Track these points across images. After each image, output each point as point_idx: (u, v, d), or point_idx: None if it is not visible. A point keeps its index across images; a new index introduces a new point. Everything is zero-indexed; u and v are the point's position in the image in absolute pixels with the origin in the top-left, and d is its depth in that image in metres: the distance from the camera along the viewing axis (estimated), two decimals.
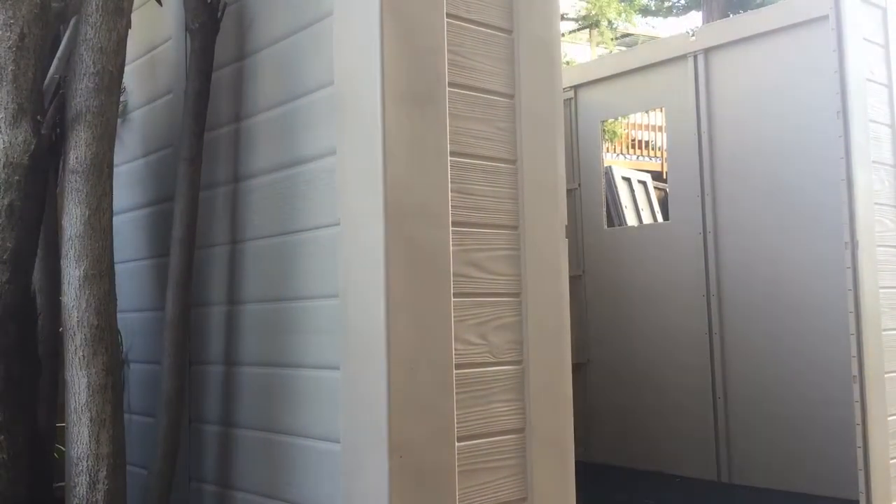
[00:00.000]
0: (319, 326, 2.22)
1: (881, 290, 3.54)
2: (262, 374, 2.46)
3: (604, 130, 5.64)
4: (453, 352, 2.07)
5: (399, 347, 1.96)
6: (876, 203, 3.59)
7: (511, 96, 2.28)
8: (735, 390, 4.21)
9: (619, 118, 11.71)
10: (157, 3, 2.79)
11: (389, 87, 1.99)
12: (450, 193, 2.10)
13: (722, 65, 4.38)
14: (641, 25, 20.36)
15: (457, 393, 2.08)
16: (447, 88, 2.12)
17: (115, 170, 2.29)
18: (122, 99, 2.70)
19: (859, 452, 3.40)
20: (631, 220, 6.97)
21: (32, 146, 2.10)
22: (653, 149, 12.84)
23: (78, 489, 2.08)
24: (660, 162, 11.71)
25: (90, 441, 2.09)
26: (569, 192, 5.16)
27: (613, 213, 6.77)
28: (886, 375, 3.52)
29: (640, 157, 12.66)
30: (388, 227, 1.97)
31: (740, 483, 4.14)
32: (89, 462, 2.08)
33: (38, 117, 2.14)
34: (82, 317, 2.12)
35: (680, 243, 4.46)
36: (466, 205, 2.15)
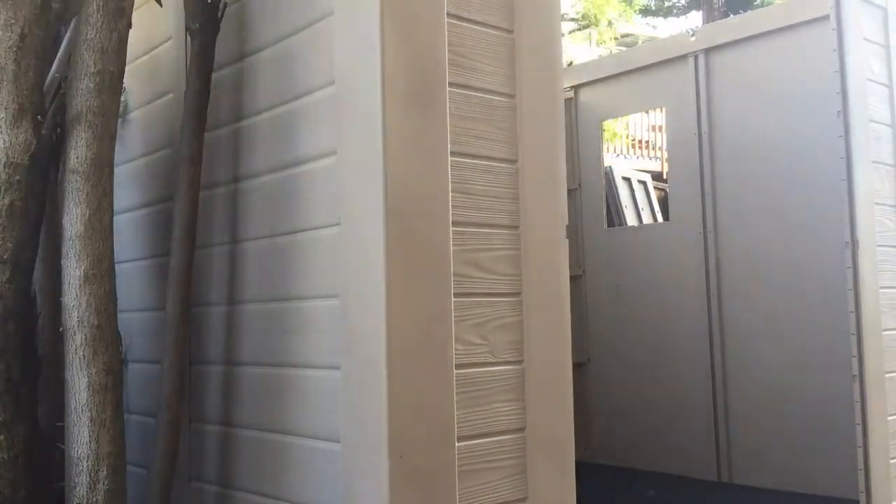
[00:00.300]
0: (319, 326, 2.22)
1: (881, 290, 3.54)
2: (262, 374, 2.46)
3: (603, 130, 5.63)
4: (453, 352, 2.07)
5: (399, 347, 1.96)
6: (876, 203, 3.59)
7: (511, 96, 2.28)
8: (735, 390, 4.21)
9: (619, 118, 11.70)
10: (156, 4, 2.79)
11: (390, 86, 1.99)
12: (450, 193, 2.10)
13: (722, 65, 4.39)
14: (641, 25, 20.37)
15: (457, 393, 2.08)
16: (448, 88, 2.12)
17: (115, 170, 2.28)
18: (122, 99, 2.70)
19: (859, 452, 3.40)
20: (631, 220, 6.97)
21: (33, 146, 2.10)
22: (653, 148, 12.83)
23: (78, 489, 2.08)
24: (659, 162, 11.71)
25: (90, 441, 2.09)
26: (569, 192, 5.16)
27: (613, 213, 6.77)
28: (886, 375, 3.52)
29: (640, 157, 12.65)
30: (389, 226, 1.97)
31: (740, 483, 4.15)
32: (89, 462, 2.09)
33: (39, 117, 2.14)
34: (82, 317, 2.12)
35: (680, 243, 4.46)
36: (467, 205, 2.15)
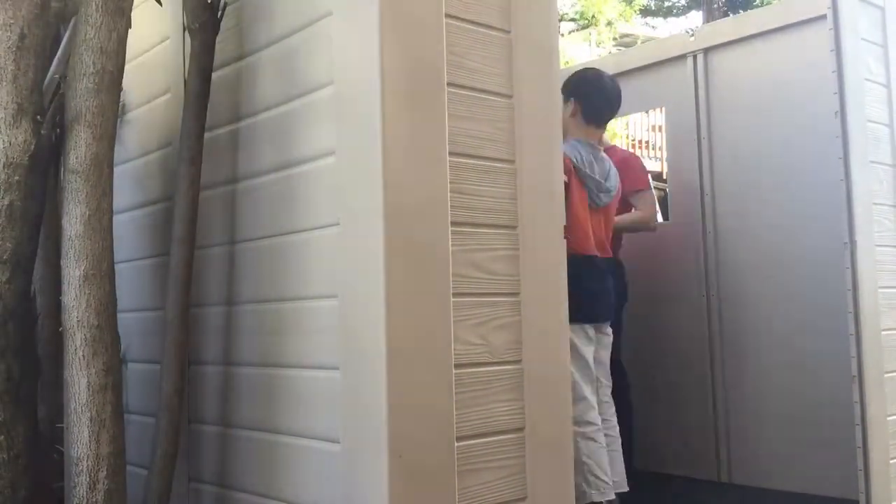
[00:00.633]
0: (319, 327, 2.23)
1: (880, 290, 3.54)
2: (262, 374, 2.46)
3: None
4: (453, 352, 2.08)
5: (398, 347, 1.96)
6: (875, 203, 3.59)
7: (509, 96, 2.29)
8: (735, 390, 4.21)
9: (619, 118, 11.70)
10: (155, 3, 2.79)
11: (389, 87, 2.00)
12: (449, 193, 2.10)
13: (722, 65, 4.39)
14: (641, 25, 20.37)
15: (456, 393, 2.08)
16: (446, 89, 2.12)
17: (115, 169, 2.29)
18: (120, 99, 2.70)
19: (859, 452, 3.40)
20: None
21: (32, 146, 2.10)
22: (653, 148, 12.84)
23: (78, 489, 2.08)
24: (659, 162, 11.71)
25: (90, 441, 2.09)
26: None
27: None
28: (886, 375, 3.52)
29: (640, 157, 12.63)
30: (388, 227, 1.97)
31: (740, 483, 4.15)
32: (89, 462, 2.09)
33: (38, 117, 2.14)
34: (82, 317, 2.12)
35: (680, 243, 4.46)
36: (465, 205, 2.16)
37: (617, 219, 3.78)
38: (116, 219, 2.32)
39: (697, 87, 4.44)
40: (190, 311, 2.54)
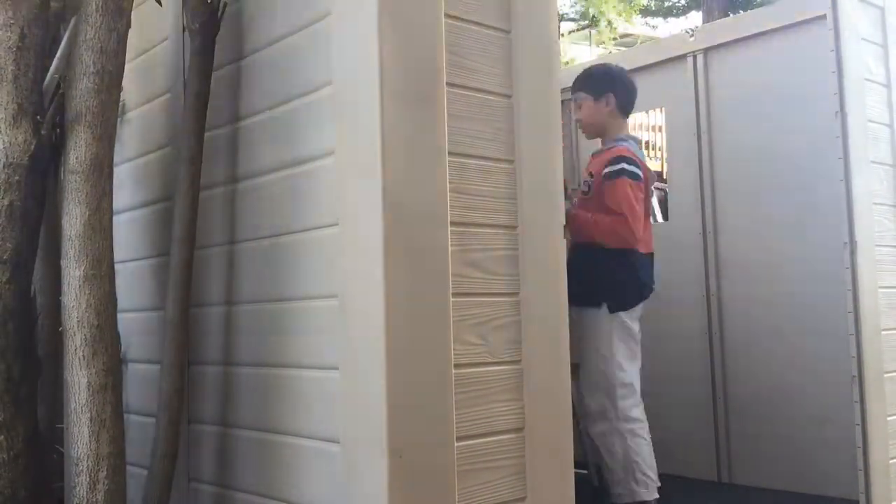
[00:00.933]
0: (318, 327, 2.23)
1: (880, 290, 3.54)
2: (262, 374, 2.46)
3: None
4: (452, 352, 2.08)
5: (398, 347, 1.96)
6: (875, 203, 3.59)
7: (509, 96, 2.29)
8: (735, 390, 4.21)
9: None
10: (155, 3, 2.79)
11: (388, 86, 2.00)
12: (448, 193, 2.10)
13: (722, 65, 4.38)
14: (641, 25, 20.36)
15: (456, 393, 2.08)
16: (445, 88, 2.12)
17: (115, 169, 2.29)
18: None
19: (859, 452, 3.40)
20: None
21: (32, 146, 2.10)
22: (653, 148, 12.83)
23: (78, 489, 2.09)
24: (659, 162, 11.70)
25: (90, 441, 2.09)
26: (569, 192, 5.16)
27: None
28: (886, 375, 3.52)
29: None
30: (387, 227, 1.97)
31: (740, 483, 4.14)
32: (89, 462, 2.09)
33: (38, 117, 2.14)
34: (82, 317, 2.12)
35: (680, 243, 4.45)
36: (465, 205, 2.16)
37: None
38: (116, 219, 2.32)
39: (697, 87, 4.44)
40: (190, 311, 2.54)
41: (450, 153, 2.12)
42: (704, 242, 4.36)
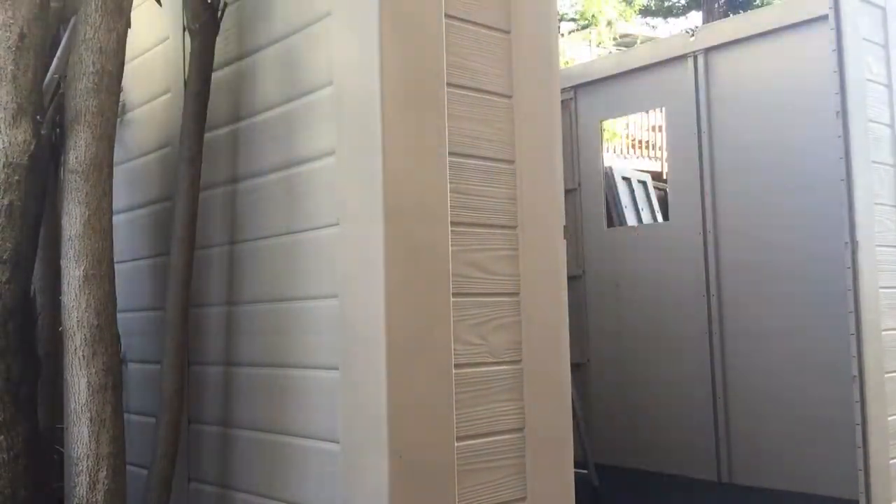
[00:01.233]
0: (319, 327, 2.23)
1: (881, 290, 3.54)
2: (262, 374, 2.46)
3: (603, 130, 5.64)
4: (452, 352, 2.08)
5: (398, 347, 1.96)
6: (876, 203, 3.59)
7: (509, 97, 2.29)
8: (735, 390, 4.21)
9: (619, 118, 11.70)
10: (155, 3, 2.79)
11: (388, 87, 2.00)
12: (448, 193, 2.10)
13: (722, 65, 4.39)
14: (641, 25, 20.36)
15: (456, 393, 2.08)
16: (446, 89, 2.12)
17: (115, 169, 2.29)
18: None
19: (859, 452, 3.40)
20: (631, 220, 6.98)
21: (32, 146, 2.10)
22: (653, 148, 12.83)
23: (78, 489, 2.08)
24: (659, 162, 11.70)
25: (90, 441, 2.09)
26: (569, 192, 5.17)
27: (613, 213, 6.76)
28: (886, 375, 3.52)
29: (640, 157, 12.65)
30: (387, 227, 1.97)
31: (740, 483, 4.15)
32: (89, 462, 2.09)
33: (38, 117, 2.14)
34: (82, 317, 2.12)
35: (680, 243, 4.46)
36: (465, 205, 2.16)
37: None
38: (116, 219, 2.32)
39: (697, 87, 4.44)
40: (190, 311, 2.54)
41: (450, 153, 2.12)
42: (704, 242, 4.36)
